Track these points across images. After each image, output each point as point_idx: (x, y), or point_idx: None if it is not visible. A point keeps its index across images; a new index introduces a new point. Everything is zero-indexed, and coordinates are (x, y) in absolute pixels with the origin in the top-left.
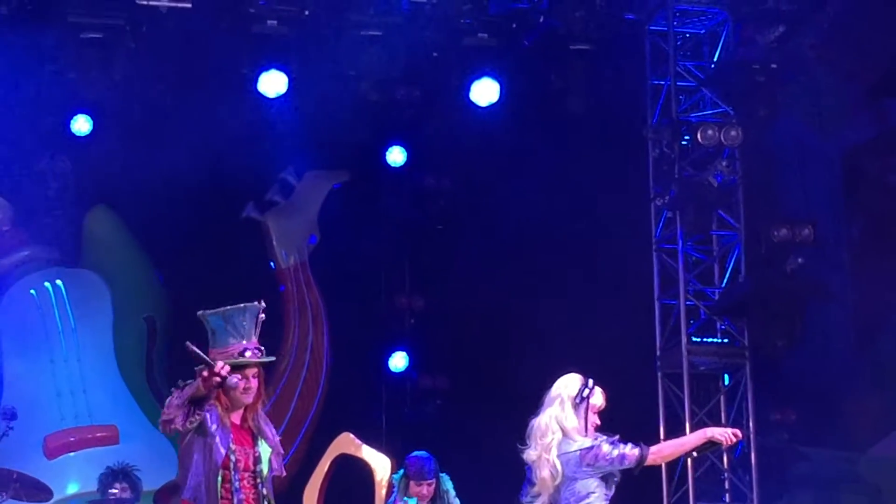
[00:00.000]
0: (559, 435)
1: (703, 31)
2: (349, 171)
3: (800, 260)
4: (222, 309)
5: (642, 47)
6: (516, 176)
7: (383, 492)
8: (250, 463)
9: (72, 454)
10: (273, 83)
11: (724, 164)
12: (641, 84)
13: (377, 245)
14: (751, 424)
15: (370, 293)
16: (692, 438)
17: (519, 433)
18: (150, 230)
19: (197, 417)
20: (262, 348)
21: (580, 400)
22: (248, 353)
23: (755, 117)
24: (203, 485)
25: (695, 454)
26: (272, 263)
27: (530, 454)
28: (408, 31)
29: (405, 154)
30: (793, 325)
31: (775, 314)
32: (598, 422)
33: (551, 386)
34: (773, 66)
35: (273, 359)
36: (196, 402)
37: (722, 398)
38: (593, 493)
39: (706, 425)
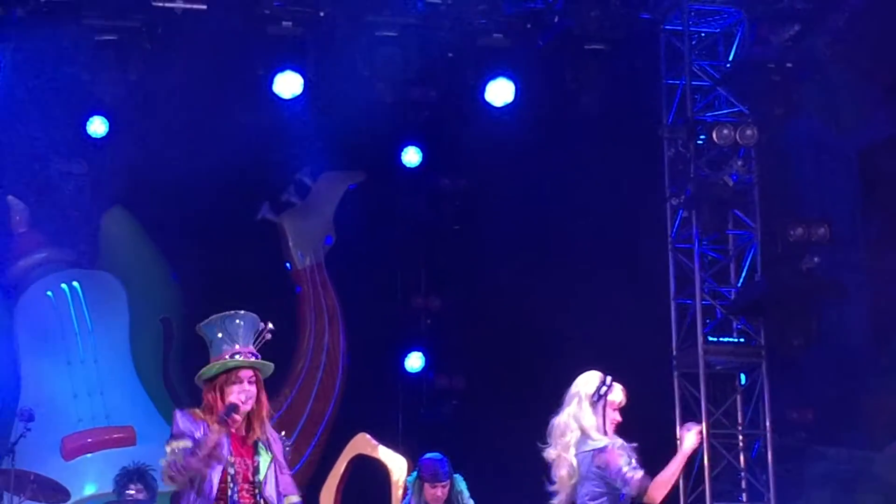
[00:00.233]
0: (577, 433)
1: (718, 31)
2: (365, 172)
3: (816, 259)
4: (214, 316)
5: (657, 47)
6: (532, 176)
7: (400, 492)
8: (249, 474)
9: (89, 455)
10: (288, 84)
11: (739, 163)
12: (656, 84)
13: (393, 245)
14: (767, 424)
15: (386, 294)
16: (677, 466)
17: (535, 433)
18: (166, 231)
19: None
20: (258, 354)
21: (597, 398)
22: (238, 357)
23: (771, 116)
24: None
25: None
26: (288, 265)
27: (550, 453)
28: (423, 32)
29: (421, 154)
30: (809, 325)
31: (791, 313)
32: (619, 418)
33: (569, 385)
34: (789, 65)
35: (269, 364)
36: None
37: (738, 398)
38: (609, 493)
39: (722, 425)
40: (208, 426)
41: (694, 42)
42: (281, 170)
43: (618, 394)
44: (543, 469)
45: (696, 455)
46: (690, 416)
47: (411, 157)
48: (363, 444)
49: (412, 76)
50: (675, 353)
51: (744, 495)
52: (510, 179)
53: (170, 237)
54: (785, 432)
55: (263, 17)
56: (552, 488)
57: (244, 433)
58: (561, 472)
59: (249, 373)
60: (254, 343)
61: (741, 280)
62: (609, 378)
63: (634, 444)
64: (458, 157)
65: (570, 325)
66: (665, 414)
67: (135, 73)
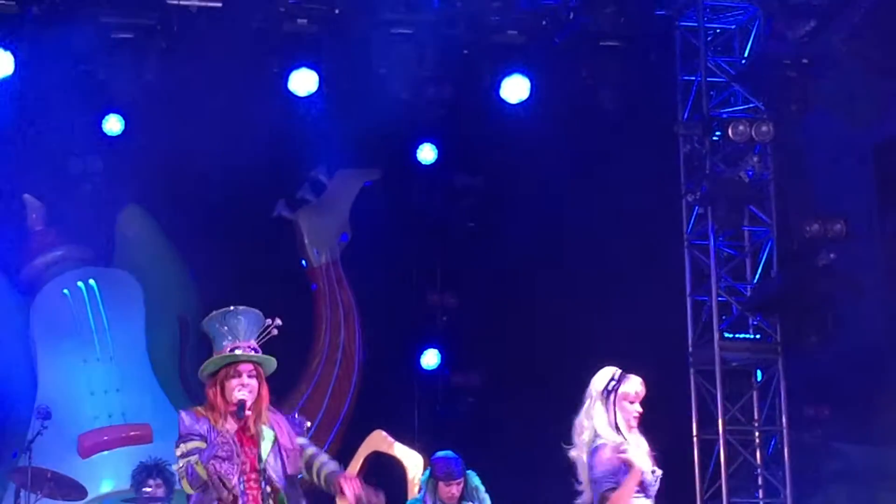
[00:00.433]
0: (590, 432)
1: (733, 27)
2: (380, 169)
3: (832, 255)
4: (216, 312)
5: (673, 43)
6: (547, 173)
7: (416, 489)
8: (256, 463)
9: (105, 453)
10: (304, 82)
11: (755, 159)
12: (672, 80)
13: (409, 243)
14: (784, 420)
15: (402, 291)
16: (633, 482)
17: (551, 430)
18: (182, 229)
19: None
20: (259, 349)
21: (607, 393)
22: (238, 351)
23: (786, 112)
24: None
25: None
26: (304, 262)
27: (572, 453)
28: (438, 29)
29: (436, 151)
30: (825, 321)
31: (808, 309)
32: (639, 410)
33: (584, 382)
34: (805, 60)
35: (269, 358)
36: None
37: (754, 394)
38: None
39: (739, 422)
40: (210, 423)
41: (709, 38)
42: (296, 167)
43: (631, 385)
44: (560, 466)
45: (712, 452)
46: (706, 412)
47: (426, 154)
48: (379, 441)
49: (427, 73)
50: (690, 349)
51: (760, 492)
52: (525, 176)
53: (185, 235)
54: (801, 429)
55: (279, 15)
56: (579, 488)
57: (247, 425)
58: (580, 472)
59: (249, 367)
60: (259, 338)
61: (757, 276)
62: (619, 372)
63: (653, 452)
64: (474, 154)
65: (586, 322)
66: (681, 411)
67: (150, 71)
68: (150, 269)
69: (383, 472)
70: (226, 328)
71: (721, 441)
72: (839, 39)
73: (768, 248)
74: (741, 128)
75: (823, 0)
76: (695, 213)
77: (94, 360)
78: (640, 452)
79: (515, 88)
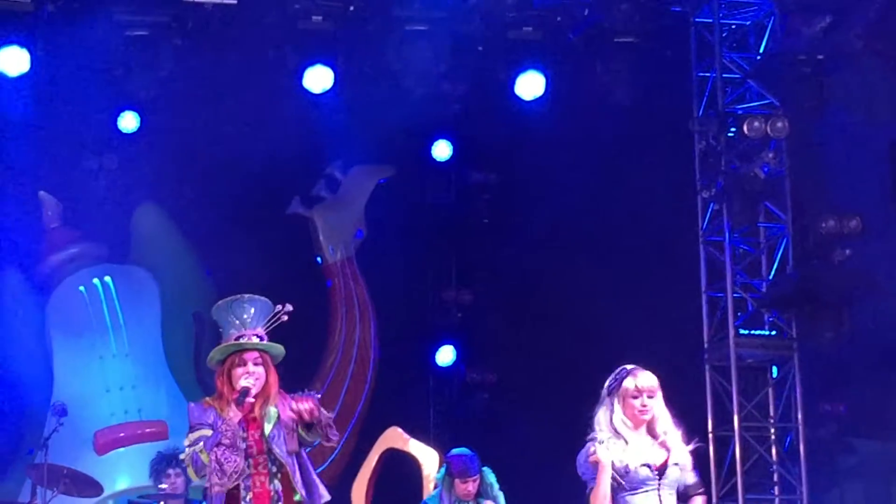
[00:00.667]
0: (597, 431)
1: (748, 23)
2: (395, 166)
3: (847, 251)
4: (222, 301)
5: (688, 39)
6: (562, 169)
7: (431, 486)
8: (262, 446)
9: (121, 450)
10: (318, 79)
11: (770, 155)
12: (687, 76)
13: (424, 239)
14: (799, 416)
15: (417, 287)
16: (603, 482)
17: (567, 427)
18: (197, 226)
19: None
20: (265, 337)
21: (608, 392)
22: (243, 339)
23: (802, 108)
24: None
25: None
26: (319, 259)
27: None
28: (453, 26)
29: (451, 148)
30: (841, 317)
31: (823, 306)
32: (645, 405)
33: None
34: (820, 56)
35: (276, 345)
36: None
37: (770, 390)
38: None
39: (754, 418)
40: (217, 412)
41: (725, 34)
42: (311, 164)
43: (631, 380)
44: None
45: (728, 448)
46: (722, 408)
47: (441, 150)
48: (395, 437)
49: (442, 70)
50: (706, 346)
51: (776, 488)
52: (540, 173)
53: (201, 231)
54: (817, 425)
55: (293, 12)
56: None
57: (253, 410)
58: None
59: (255, 354)
60: (267, 325)
61: (772, 273)
62: (625, 369)
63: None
64: (488, 150)
65: (601, 318)
66: (697, 407)
67: (165, 68)
68: (165, 266)
69: (399, 469)
70: (232, 316)
71: (737, 437)
72: (854, 35)
73: (783, 245)
74: (756, 124)
75: None
76: (710, 209)
77: (110, 356)
78: (618, 450)
79: (530, 85)
